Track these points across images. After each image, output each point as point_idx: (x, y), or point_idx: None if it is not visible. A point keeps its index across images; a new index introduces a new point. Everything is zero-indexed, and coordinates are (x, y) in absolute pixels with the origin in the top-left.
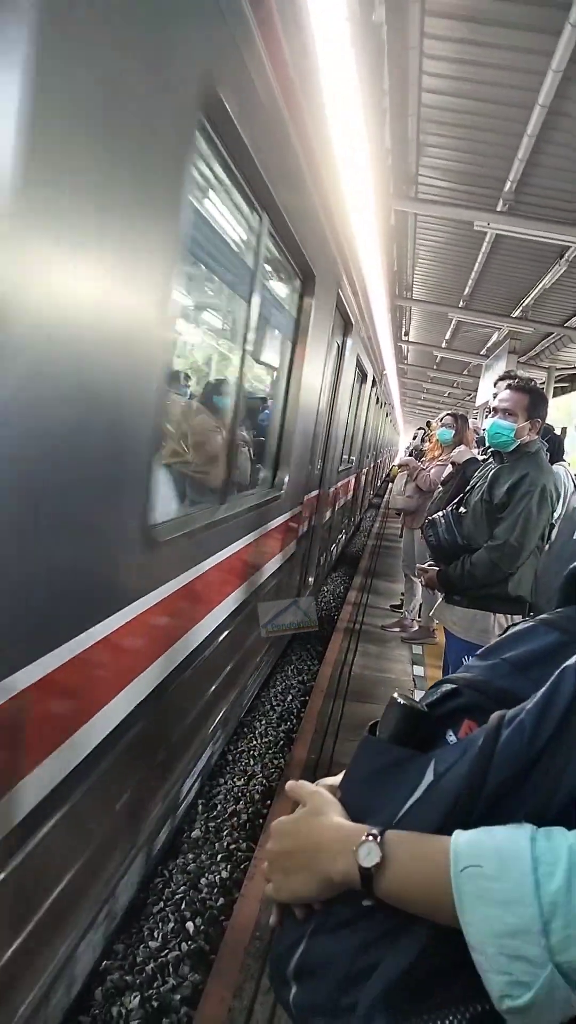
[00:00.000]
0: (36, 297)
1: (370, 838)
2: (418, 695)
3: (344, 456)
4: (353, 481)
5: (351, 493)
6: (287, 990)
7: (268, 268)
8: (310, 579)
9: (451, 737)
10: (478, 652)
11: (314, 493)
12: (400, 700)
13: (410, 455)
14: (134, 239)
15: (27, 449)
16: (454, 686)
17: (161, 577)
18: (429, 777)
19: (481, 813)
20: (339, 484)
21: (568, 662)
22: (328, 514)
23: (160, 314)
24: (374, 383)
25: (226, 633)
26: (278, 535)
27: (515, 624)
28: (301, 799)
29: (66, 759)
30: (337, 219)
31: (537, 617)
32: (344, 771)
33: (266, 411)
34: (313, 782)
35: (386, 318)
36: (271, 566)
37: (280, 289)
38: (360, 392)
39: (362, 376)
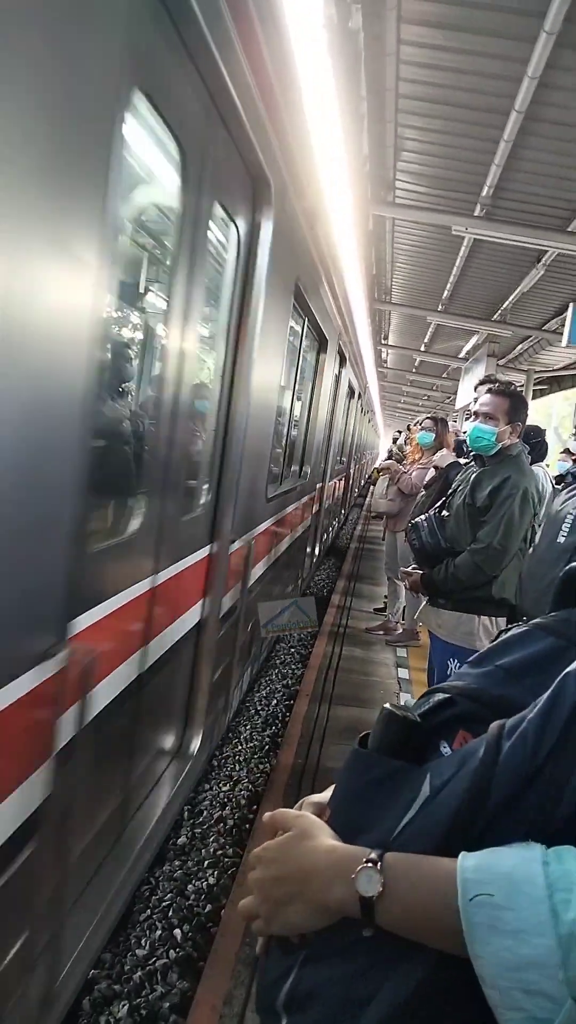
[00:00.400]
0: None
1: (369, 864)
2: (403, 697)
3: (338, 458)
4: (342, 481)
5: (342, 488)
6: (277, 1022)
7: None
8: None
9: (444, 748)
10: (470, 659)
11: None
12: (392, 710)
13: (389, 459)
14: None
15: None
16: (447, 695)
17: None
18: (425, 791)
19: (482, 828)
20: (335, 480)
21: (569, 668)
22: (328, 501)
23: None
24: (359, 396)
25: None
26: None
27: (508, 629)
28: (285, 826)
29: None
30: (339, 293)
31: (531, 622)
32: (332, 787)
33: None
34: (299, 788)
35: (366, 324)
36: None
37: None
38: (348, 406)
39: (350, 393)
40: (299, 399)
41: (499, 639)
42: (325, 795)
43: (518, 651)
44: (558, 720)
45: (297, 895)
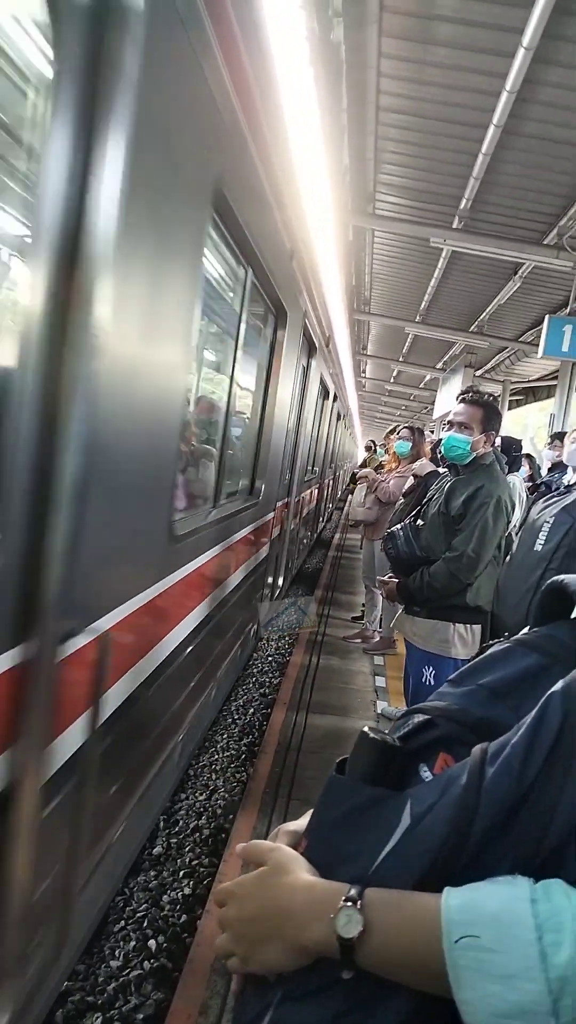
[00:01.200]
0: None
1: (348, 903)
2: (380, 705)
3: (308, 467)
4: (317, 491)
5: (315, 501)
6: None
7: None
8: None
9: (425, 773)
10: (451, 677)
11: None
12: (370, 734)
13: (361, 467)
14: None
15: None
16: (427, 716)
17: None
18: (406, 821)
19: (466, 859)
20: (306, 493)
21: (553, 688)
22: (295, 521)
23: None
24: (336, 399)
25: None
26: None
27: (490, 645)
28: (259, 860)
29: None
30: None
31: (513, 638)
32: (310, 815)
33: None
34: (276, 797)
35: (345, 333)
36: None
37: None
38: (322, 408)
39: (324, 393)
40: (244, 392)
41: (481, 656)
42: (301, 823)
43: (500, 669)
44: (543, 745)
45: (274, 934)
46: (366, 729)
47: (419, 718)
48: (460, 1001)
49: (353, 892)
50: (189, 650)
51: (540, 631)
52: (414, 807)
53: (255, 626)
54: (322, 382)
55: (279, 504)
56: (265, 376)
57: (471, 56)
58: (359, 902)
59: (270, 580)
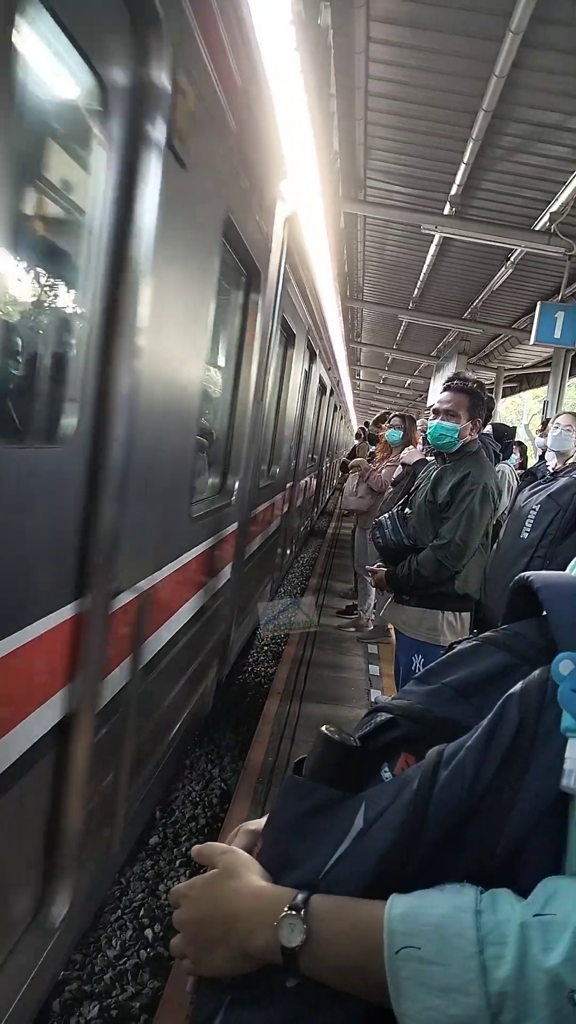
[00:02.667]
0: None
1: (293, 912)
2: (374, 694)
3: (309, 455)
4: (316, 476)
5: (317, 481)
6: None
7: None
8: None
9: (386, 773)
10: (417, 675)
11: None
12: (328, 733)
13: (351, 456)
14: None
15: None
16: (390, 715)
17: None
18: (359, 824)
19: (416, 866)
20: (310, 475)
21: (512, 690)
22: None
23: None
24: (332, 394)
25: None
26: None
27: (458, 642)
28: (212, 863)
29: None
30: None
31: (481, 636)
32: (268, 815)
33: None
34: (270, 786)
35: (338, 322)
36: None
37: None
38: (320, 402)
39: (321, 389)
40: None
41: (448, 653)
42: (262, 822)
43: (467, 667)
44: (498, 749)
45: (220, 939)
46: (324, 728)
47: (382, 717)
48: (399, 1013)
49: (299, 899)
50: (242, 575)
51: (509, 629)
52: (368, 810)
53: (285, 555)
54: (321, 381)
55: (288, 485)
56: (279, 379)
57: (460, 40)
58: (303, 910)
59: (292, 527)
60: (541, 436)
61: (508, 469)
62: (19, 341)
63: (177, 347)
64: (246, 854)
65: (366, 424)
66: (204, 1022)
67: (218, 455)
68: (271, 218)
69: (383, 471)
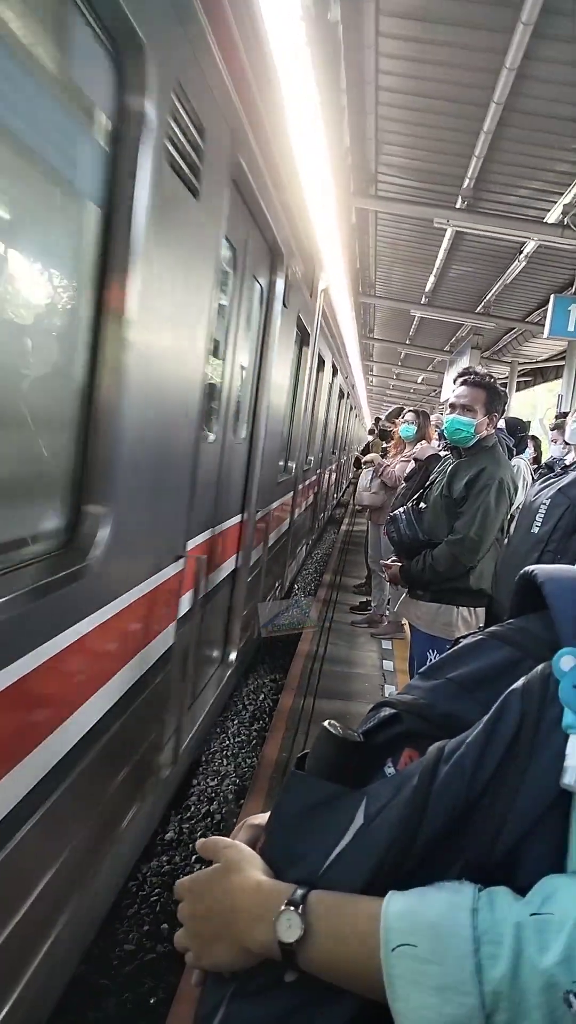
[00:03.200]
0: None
1: (291, 907)
2: (388, 689)
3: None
4: (337, 465)
5: (336, 473)
6: None
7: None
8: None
9: (389, 769)
10: (422, 670)
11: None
12: (330, 729)
13: (364, 451)
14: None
15: None
16: (394, 711)
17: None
18: (359, 819)
19: (415, 862)
20: (334, 464)
21: (514, 686)
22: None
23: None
24: (348, 396)
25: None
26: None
27: (463, 637)
28: (215, 857)
29: None
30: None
31: (486, 630)
32: (271, 810)
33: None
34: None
35: (351, 318)
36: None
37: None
38: (340, 408)
39: (340, 396)
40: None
41: (453, 648)
42: (266, 817)
43: (471, 662)
44: (499, 745)
45: (221, 933)
46: (327, 724)
47: (386, 712)
48: (395, 1011)
49: (297, 895)
50: (301, 515)
51: (513, 623)
52: (368, 806)
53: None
54: (340, 389)
55: (318, 471)
56: (314, 391)
57: (470, 33)
58: (301, 906)
59: (323, 502)
60: (552, 439)
61: (523, 464)
62: (237, 401)
63: (279, 389)
64: (249, 849)
65: (378, 419)
66: (207, 1015)
67: (289, 448)
68: (315, 296)
69: (396, 466)
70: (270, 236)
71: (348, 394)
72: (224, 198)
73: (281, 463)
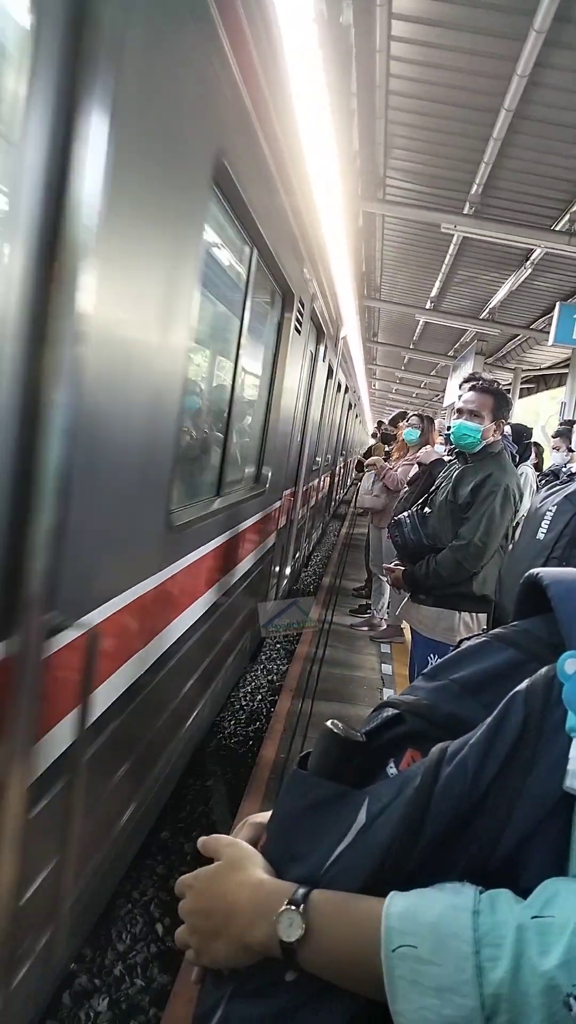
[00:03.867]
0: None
1: (292, 907)
2: (387, 693)
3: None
4: (340, 467)
5: (340, 472)
6: None
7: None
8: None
9: (392, 769)
10: (425, 671)
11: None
12: (332, 729)
13: (366, 455)
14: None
15: None
16: (396, 711)
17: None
18: (362, 819)
19: (417, 862)
20: (340, 464)
21: (518, 687)
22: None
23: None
24: (353, 406)
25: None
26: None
27: (467, 639)
28: (217, 855)
29: None
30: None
31: (490, 632)
32: (273, 809)
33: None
34: (281, 783)
35: (355, 322)
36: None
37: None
38: (346, 414)
39: (349, 405)
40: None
41: (457, 650)
42: (268, 815)
43: (475, 664)
44: (501, 747)
45: (222, 931)
46: (329, 723)
47: (389, 712)
48: (394, 1011)
49: (298, 894)
50: (324, 496)
51: (518, 625)
52: (371, 806)
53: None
54: (349, 402)
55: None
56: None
57: (482, 39)
58: (302, 905)
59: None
60: (553, 447)
61: (530, 471)
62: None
63: (318, 406)
64: (250, 847)
65: (380, 423)
66: (206, 1013)
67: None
68: (338, 343)
69: (399, 470)
70: (320, 326)
71: (354, 404)
72: (313, 335)
73: (319, 458)
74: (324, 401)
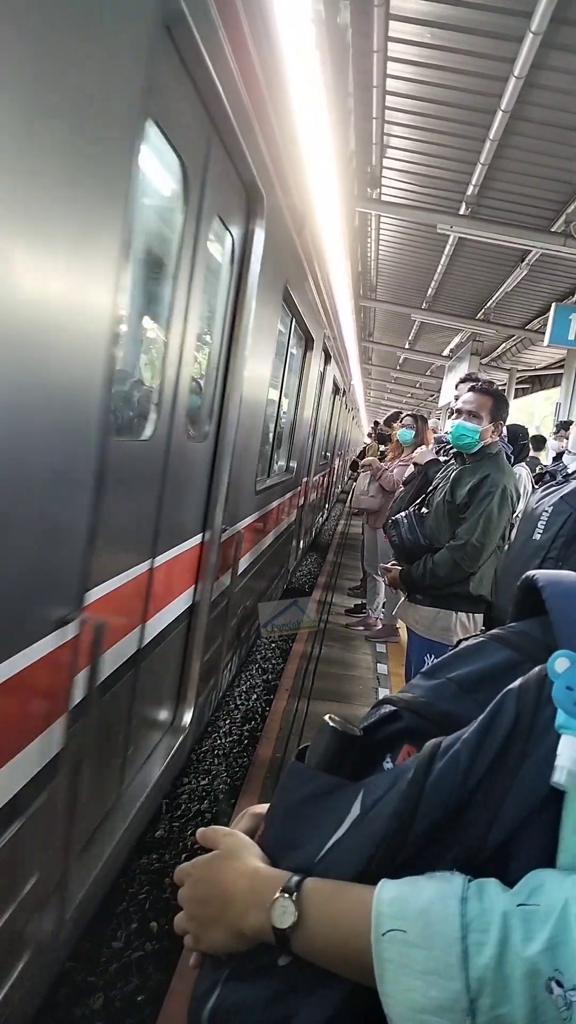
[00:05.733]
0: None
1: (285, 894)
2: (382, 692)
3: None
4: (338, 463)
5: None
6: None
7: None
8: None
9: (388, 764)
10: (424, 670)
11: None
12: (331, 723)
13: (361, 455)
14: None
15: None
16: (394, 708)
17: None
18: (356, 810)
19: (409, 853)
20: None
21: (511, 685)
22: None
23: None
24: (350, 408)
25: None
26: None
27: (465, 639)
28: (215, 844)
29: None
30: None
31: (488, 632)
32: (271, 800)
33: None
34: (276, 783)
35: (351, 320)
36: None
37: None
38: (343, 417)
39: (346, 407)
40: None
41: (455, 650)
42: (266, 807)
43: (472, 664)
44: (493, 742)
45: (218, 918)
46: (327, 718)
47: (386, 709)
48: (383, 994)
49: (292, 882)
50: (331, 485)
51: (515, 627)
52: (366, 798)
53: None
54: (346, 404)
55: (329, 467)
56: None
57: (478, 40)
58: (295, 893)
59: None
60: (556, 438)
61: (525, 472)
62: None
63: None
64: (247, 837)
65: (376, 423)
66: (202, 995)
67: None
68: (339, 364)
69: (394, 470)
70: (327, 351)
71: (351, 407)
72: (322, 358)
73: (327, 452)
74: (331, 410)
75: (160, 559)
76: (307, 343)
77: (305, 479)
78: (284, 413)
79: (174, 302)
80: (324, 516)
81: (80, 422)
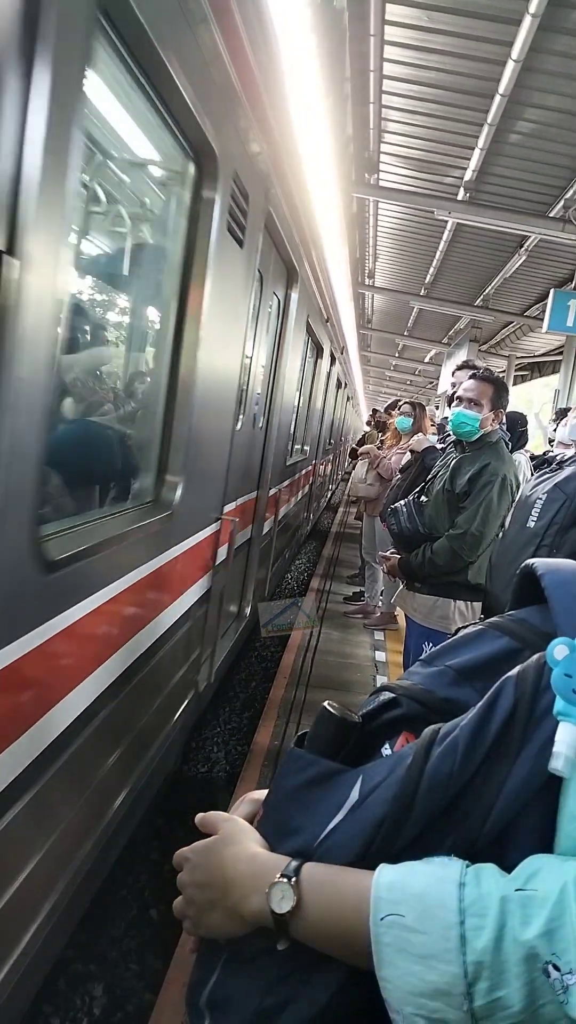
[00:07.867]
0: None
1: (284, 879)
2: (380, 680)
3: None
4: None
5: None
6: (201, 1020)
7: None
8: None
9: (387, 750)
10: (423, 657)
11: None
12: (330, 710)
13: (359, 443)
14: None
15: None
16: (393, 695)
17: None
18: (354, 796)
19: (407, 839)
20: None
21: (510, 673)
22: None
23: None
24: (349, 398)
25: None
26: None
27: (464, 627)
28: (213, 828)
29: None
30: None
31: (486, 620)
32: (269, 786)
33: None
34: (274, 770)
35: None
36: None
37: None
38: (344, 408)
39: (347, 398)
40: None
41: (454, 637)
42: (264, 793)
43: (471, 651)
44: (492, 729)
45: (217, 902)
46: (326, 704)
47: (385, 696)
48: (381, 978)
49: (290, 867)
50: (333, 472)
51: (513, 615)
52: (364, 784)
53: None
54: (347, 395)
55: (330, 455)
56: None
57: (476, 23)
58: (294, 878)
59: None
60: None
61: (524, 459)
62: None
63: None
64: (246, 822)
65: (375, 411)
66: (201, 979)
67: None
68: (341, 360)
69: (392, 458)
70: (332, 353)
71: (350, 396)
72: (328, 359)
73: (332, 439)
74: (335, 404)
75: (239, 500)
76: (318, 352)
77: (315, 461)
78: (302, 410)
79: (255, 352)
80: (331, 491)
81: (227, 421)
